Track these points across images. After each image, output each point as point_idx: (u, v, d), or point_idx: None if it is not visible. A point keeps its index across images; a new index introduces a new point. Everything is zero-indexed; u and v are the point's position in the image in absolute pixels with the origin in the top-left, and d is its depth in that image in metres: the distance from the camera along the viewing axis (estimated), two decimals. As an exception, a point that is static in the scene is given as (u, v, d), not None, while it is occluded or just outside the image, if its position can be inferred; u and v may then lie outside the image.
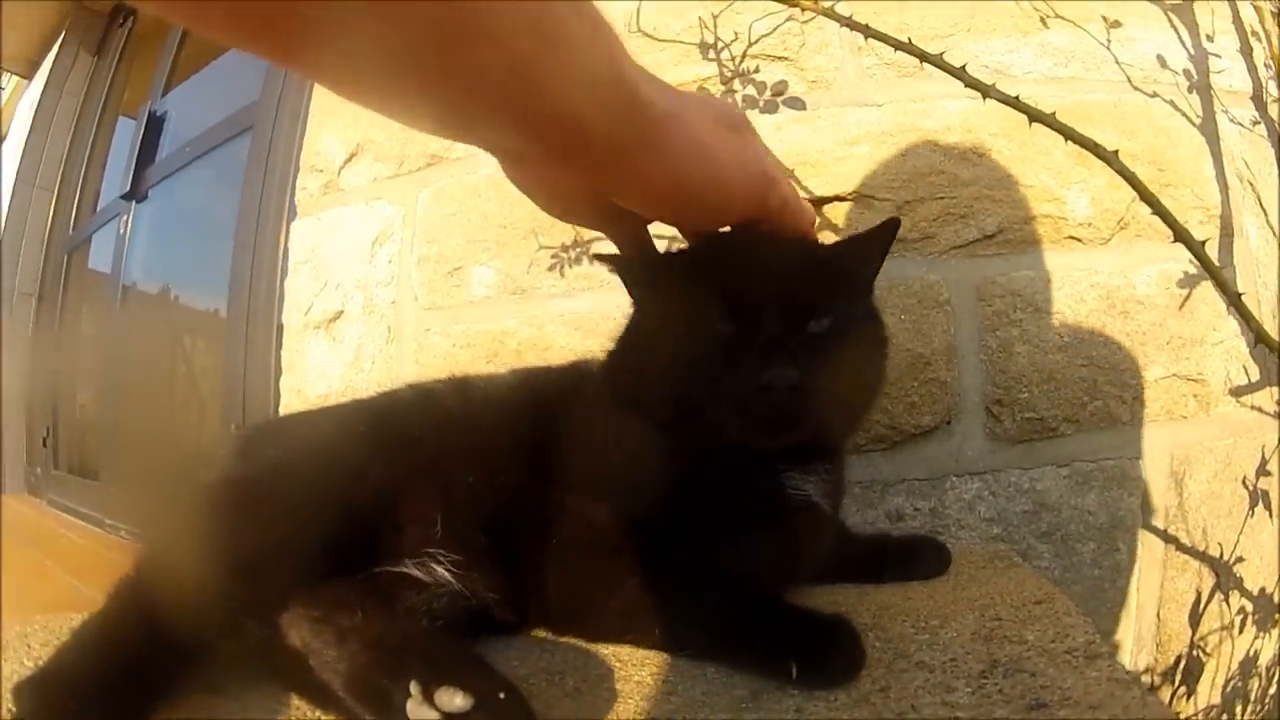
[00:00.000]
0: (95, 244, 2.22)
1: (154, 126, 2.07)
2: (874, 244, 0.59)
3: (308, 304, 1.28)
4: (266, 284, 1.45)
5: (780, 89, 1.00)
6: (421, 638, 0.46)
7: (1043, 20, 1.06)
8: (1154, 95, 1.06)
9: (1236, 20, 1.14)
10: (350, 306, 1.22)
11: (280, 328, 1.35)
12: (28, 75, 2.60)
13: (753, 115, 1.00)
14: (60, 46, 2.53)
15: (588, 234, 1.00)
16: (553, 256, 1.01)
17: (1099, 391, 0.97)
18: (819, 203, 0.96)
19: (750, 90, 1.01)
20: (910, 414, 0.92)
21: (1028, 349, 0.96)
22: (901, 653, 0.52)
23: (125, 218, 2.09)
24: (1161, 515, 0.99)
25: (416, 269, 1.14)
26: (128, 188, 2.06)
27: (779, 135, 0.98)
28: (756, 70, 1.02)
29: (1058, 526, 0.95)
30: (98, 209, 2.23)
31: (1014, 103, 0.82)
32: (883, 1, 1.04)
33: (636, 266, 0.57)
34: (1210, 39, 1.11)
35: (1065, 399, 0.96)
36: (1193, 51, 1.10)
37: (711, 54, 1.03)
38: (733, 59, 1.02)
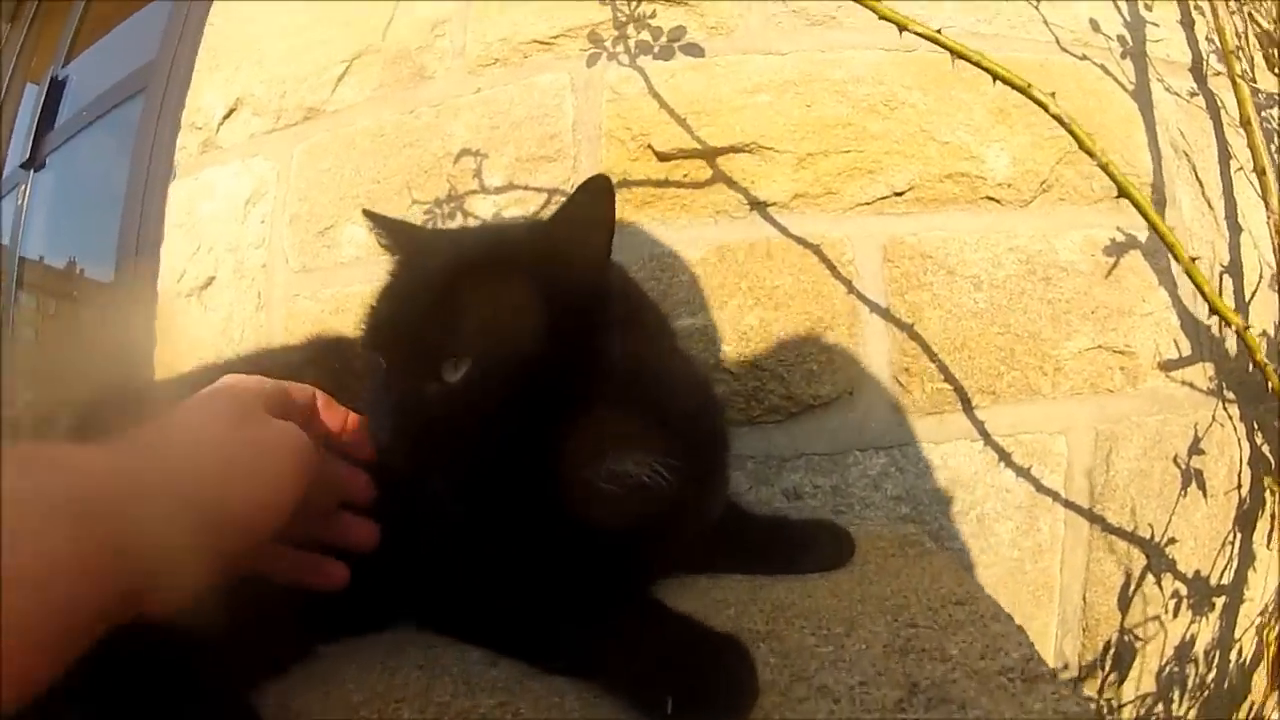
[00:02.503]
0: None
1: (54, 92, 1.88)
2: (588, 214, 0.45)
3: (180, 270, 1.13)
4: (151, 252, 1.28)
5: (677, 34, 0.88)
6: None
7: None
8: (1084, 58, 0.97)
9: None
10: (222, 272, 1.07)
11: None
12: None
13: (646, 61, 0.87)
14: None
15: (462, 186, 0.87)
16: (426, 212, 0.88)
17: (1016, 361, 0.87)
18: (713, 153, 0.84)
19: (645, 35, 0.88)
20: (808, 382, 0.81)
21: (939, 314, 0.85)
22: (800, 674, 0.42)
23: (24, 187, 1.89)
24: (1086, 493, 0.90)
25: (288, 229, 1.00)
26: (26, 155, 1.87)
27: (671, 82, 0.86)
28: (653, 15, 0.89)
29: (972, 505, 0.85)
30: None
31: (937, 38, 0.70)
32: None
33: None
34: (1149, 8, 1.02)
35: (980, 369, 0.86)
36: (1129, 19, 1.01)
37: (605, -3, 0.90)
38: (627, 3, 0.89)
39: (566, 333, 0.42)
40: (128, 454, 0.33)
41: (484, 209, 0.86)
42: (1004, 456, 0.86)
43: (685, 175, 0.84)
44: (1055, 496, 0.88)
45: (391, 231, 0.50)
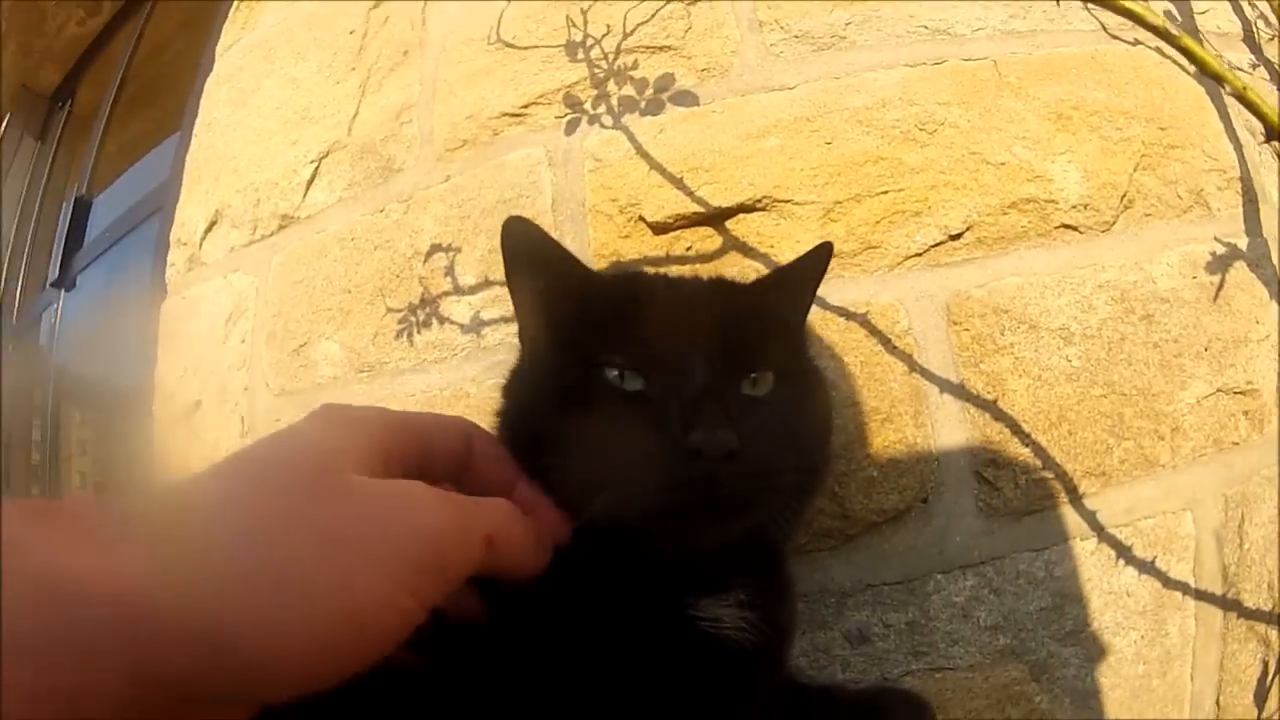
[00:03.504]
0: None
1: (80, 211, 1.87)
2: (802, 276, 0.47)
3: (170, 394, 1.04)
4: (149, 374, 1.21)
5: (664, 84, 0.74)
6: None
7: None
8: (1136, 43, 0.80)
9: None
10: (206, 395, 0.97)
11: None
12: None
13: (632, 119, 0.74)
14: (5, 129, 2.37)
15: (435, 289, 0.74)
16: (400, 322, 0.75)
17: (1127, 428, 0.69)
18: (720, 215, 0.69)
19: (629, 90, 0.75)
20: (868, 494, 0.63)
21: (1025, 383, 0.67)
22: None
23: (56, 306, 1.89)
24: (1219, 576, 0.71)
25: (265, 348, 0.89)
26: (56, 275, 1.86)
27: (661, 139, 0.72)
28: (634, 66, 0.76)
29: (1087, 621, 0.66)
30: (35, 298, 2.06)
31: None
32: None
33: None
34: None
35: (1084, 445, 0.68)
36: None
37: (581, 54, 0.77)
38: (605, 56, 0.76)
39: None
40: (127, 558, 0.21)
41: (460, 312, 0.73)
42: (1123, 552, 0.68)
43: (689, 248, 0.69)
44: (1185, 589, 0.70)
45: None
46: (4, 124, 2.28)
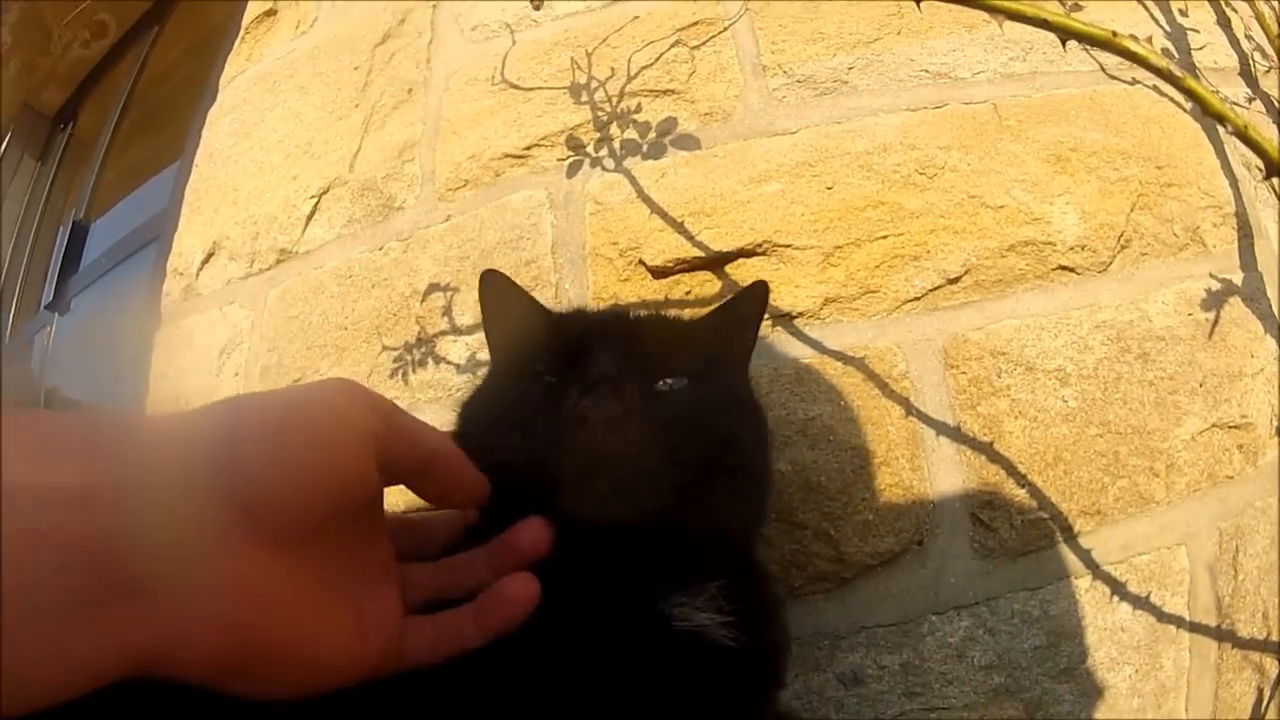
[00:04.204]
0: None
1: (78, 235, 1.86)
2: (740, 313, 0.51)
3: (166, 425, 1.03)
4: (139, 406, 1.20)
5: (667, 127, 0.75)
6: None
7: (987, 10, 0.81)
8: (1134, 83, 0.81)
9: (1209, -10, 0.92)
10: (202, 429, 0.96)
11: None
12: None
13: (634, 163, 0.74)
14: (6, 148, 2.36)
15: (432, 328, 0.74)
16: (395, 360, 0.75)
17: (1122, 467, 0.69)
18: (719, 260, 0.69)
19: (631, 134, 0.75)
20: (863, 537, 0.63)
21: (1022, 425, 0.67)
22: None
23: (49, 329, 1.87)
24: (1213, 609, 0.71)
25: (259, 382, 0.89)
26: (50, 298, 1.85)
27: (662, 183, 0.73)
28: (638, 109, 0.76)
29: (1081, 658, 0.66)
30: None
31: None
32: (794, 1, 0.79)
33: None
34: (1184, 13, 0.88)
35: (1079, 484, 0.68)
36: (1169, 28, 0.87)
37: (585, 96, 0.77)
38: (608, 99, 0.76)
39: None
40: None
41: (457, 352, 0.73)
42: (1118, 589, 0.68)
43: (688, 292, 0.70)
44: (1179, 623, 0.70)
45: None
46: (4, 145, 2.28)
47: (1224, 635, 0.72)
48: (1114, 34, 0.58)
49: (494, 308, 0.51)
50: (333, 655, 0.27)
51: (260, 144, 1.00)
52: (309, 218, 0.89)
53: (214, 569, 0.23)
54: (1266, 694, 0.74)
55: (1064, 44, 0.74)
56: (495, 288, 0.51)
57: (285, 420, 0.25)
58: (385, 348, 0.76)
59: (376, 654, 0.29)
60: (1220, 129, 0.81)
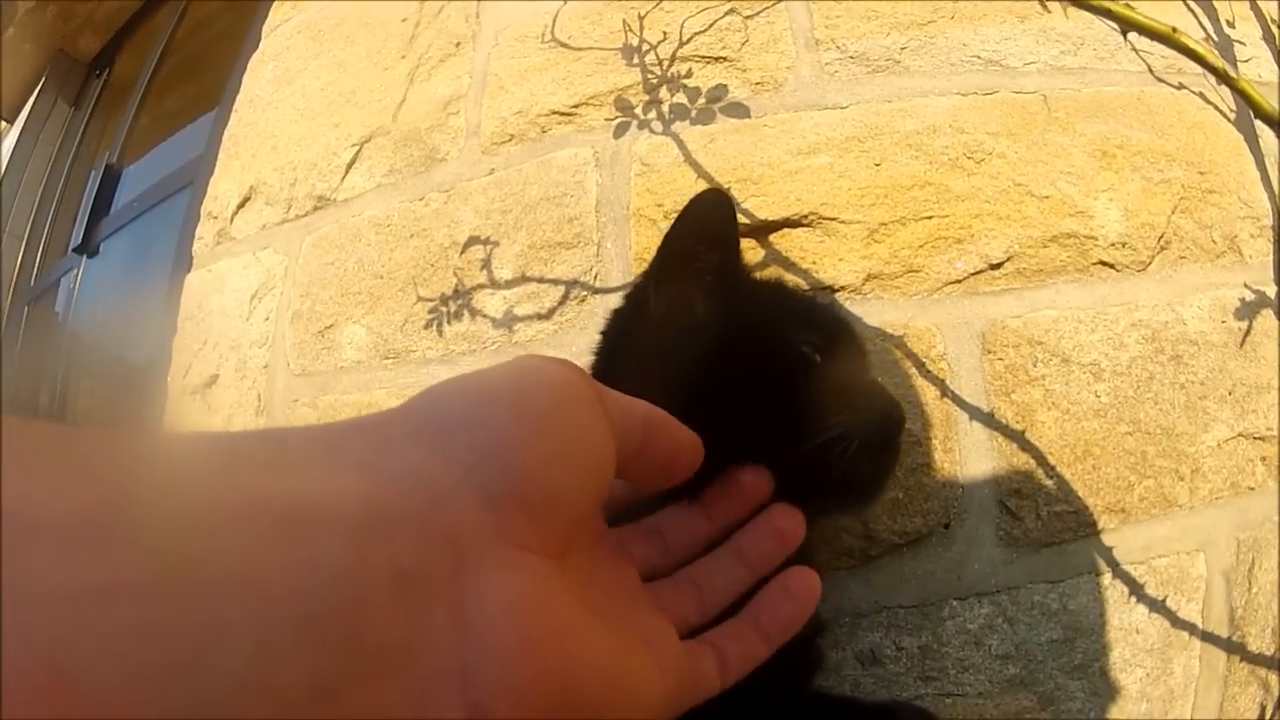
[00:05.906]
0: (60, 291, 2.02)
1: (110, 179, 1.85)
2: None
3: (186, 365, 1.02)
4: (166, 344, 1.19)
5: (717, 95, 0.73)
6: None
7: (1042, 2, 0.79)
8: (1180, 87, 0.80)
9: (1255, 6, 0.90)
10: (224, 370, 0.96)
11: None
12: (9, 119, 2.41)
13: (682, 127, 0.73)
14: (39, 93, 2.34)
15: (469, 280, 0.73)
16: (430, 312, 0.74)
17: (1150, 467, 0.68)
18: (764, 229, 0.68)
19: (681, 98, 0.74)
20: (892, 516, 0.62)
21: (1054, 416, 0.66)
22: None
23: (76, 271, 1.86)
24: (1225, 619, 0.70)
25: (289, 328, 0.88)
26: (80, 240, 1.84)
27: (711, 148, 0.71)
28: (689, 74, 0.75)
29: (1096, 656, 0.65)
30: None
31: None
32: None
33: None
34: (1231, 25, 0.86)
35: (1106, 481, 0.66)
36: (1216, 38, 0.85)
37: (635, 58, 0.76)
38: (659, 63, 0.75)
39: None
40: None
41: (494, 305, 0.72)
42: (1136, 590, 0.67)
43: (731, 258, 0.68)
44: (1192, 630, 0.69)
45: None
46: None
47: (1234, 647, 0.70)
48: (1174, 29, 0.57)
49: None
50: (646, 703, 0.20)
51: (302, 91, 0.99)
52: (349, 166, 0.88)
53: (496, 603, 0.16)
54: (1269, 711, 0.74)
55: (1124, 35, 0.73)
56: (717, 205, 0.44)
57: (535, 394, 0.19)
58: (421, 298, 0.75)
59: (674, 692, 0.22)
60: (1269, 134, 0.81)
